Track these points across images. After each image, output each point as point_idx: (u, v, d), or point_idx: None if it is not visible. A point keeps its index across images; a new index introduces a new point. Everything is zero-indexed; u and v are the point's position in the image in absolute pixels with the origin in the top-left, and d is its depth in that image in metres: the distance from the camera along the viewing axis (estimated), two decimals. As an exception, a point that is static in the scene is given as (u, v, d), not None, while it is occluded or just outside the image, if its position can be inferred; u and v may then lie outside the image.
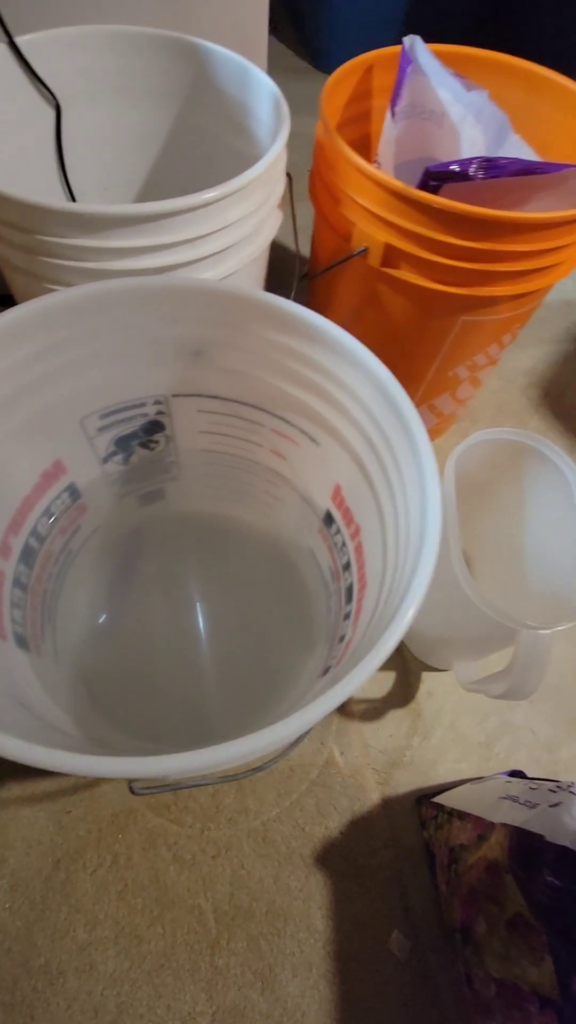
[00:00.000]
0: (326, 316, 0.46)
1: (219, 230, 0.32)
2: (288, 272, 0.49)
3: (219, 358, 0.30)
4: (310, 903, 0.36)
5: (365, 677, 0.17)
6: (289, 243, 0.41)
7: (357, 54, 1.06)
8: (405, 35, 0.86)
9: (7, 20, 0.36)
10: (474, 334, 0.40)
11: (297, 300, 0.27)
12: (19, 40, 0.36)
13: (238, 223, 0.32)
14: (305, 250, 0.50)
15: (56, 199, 0.28)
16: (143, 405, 0.33)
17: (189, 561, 0.44)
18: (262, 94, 0.37)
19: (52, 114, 0.41)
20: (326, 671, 0.31)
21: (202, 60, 0.40)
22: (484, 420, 0.59)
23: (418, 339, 0.41)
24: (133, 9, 0.41)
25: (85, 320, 0.26)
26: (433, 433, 0.55)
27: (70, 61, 0.39)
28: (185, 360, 0.30)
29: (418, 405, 0.48)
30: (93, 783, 0.38)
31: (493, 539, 0.42)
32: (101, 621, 0.42)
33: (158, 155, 0.46)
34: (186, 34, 0.39)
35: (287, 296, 0.46)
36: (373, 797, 0.39)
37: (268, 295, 0.27)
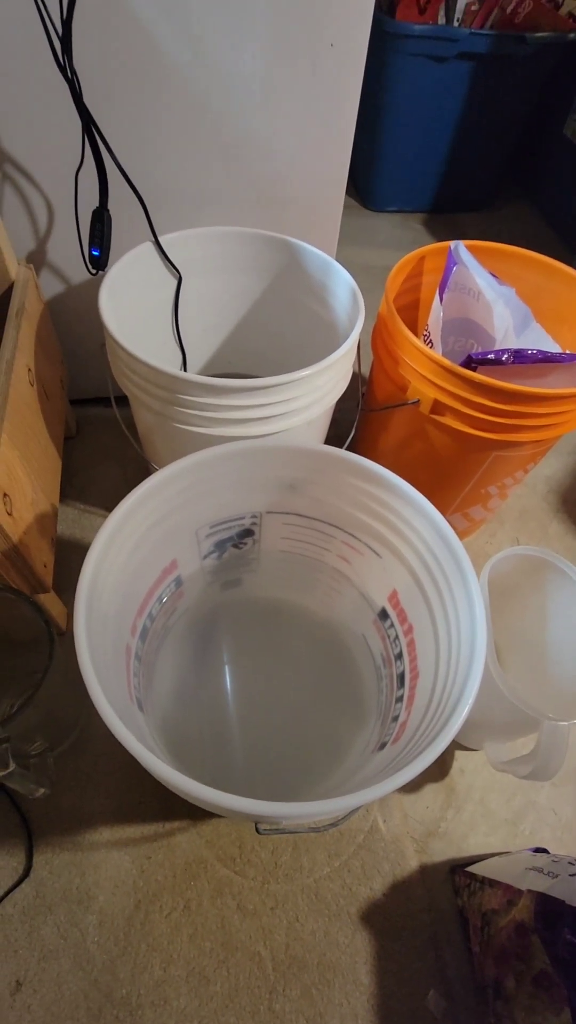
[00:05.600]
0: (379, 442, 0.57)
1: (308, 393, 0.42)
2: (348, 400, 0.60)
3: (308, 490, 0.39)
4: (356, 958, 0.41)
5: (436, 756, 0.25)
6: (354, 382, 0.51)
7: (399, 197, 1.27)
8: (437, 185, 1.08)
9: (154, 224, 0.49)
10: (503, 464, 0.49)
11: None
12: (161, 238, 0.49)
13: (323, 386, 0.43)
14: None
15: (196, 374, 0.39)
16: (242, 519, 0.42)
17: (256, 638, 0.52)
18: (340, 281, 0.49)
19: (174, 283, 0.53)
20: (382, 746, 0.38)
21: (292, 251, 0.52)
22: (509, 521, 0.67)
23: (457, 467, 0.50)
24: (241, 214, 0.54)
25: (216, 468, 0.36)
26: (464, 533, 0.63)
27: (193, 249, 0.52)
28: (282, 491, 0.40)
29: (453, 513, 0.57)
30: (170, 832, 0.44)
31: (519, 635, 0.49)
32: (180, 687, 0.49)
33: (250, 308, 0.58)
34: (279, 232, 0.52)
35: (352, 424, 0.56)
36: (412, 864, 0.45)
37: (352, 455, 0.36)
